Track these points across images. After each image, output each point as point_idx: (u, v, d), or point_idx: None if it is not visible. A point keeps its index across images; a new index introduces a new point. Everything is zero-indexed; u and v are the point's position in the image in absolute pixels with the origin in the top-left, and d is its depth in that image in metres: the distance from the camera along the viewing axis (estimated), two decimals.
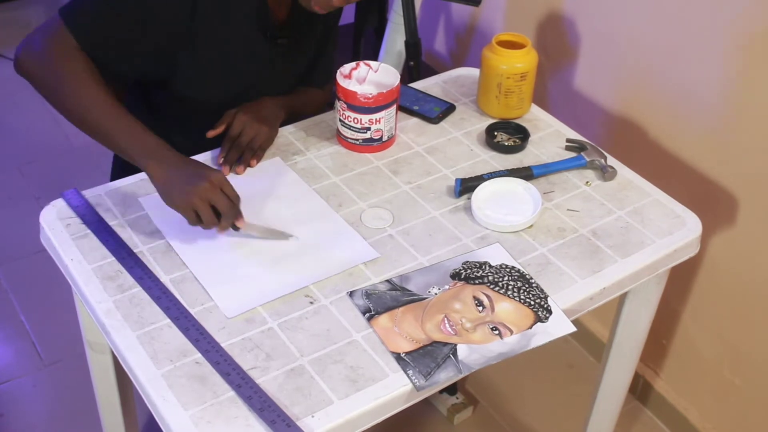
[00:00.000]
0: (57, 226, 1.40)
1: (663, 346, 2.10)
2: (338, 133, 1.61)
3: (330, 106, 1.69)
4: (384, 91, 1.54)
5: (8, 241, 2.59)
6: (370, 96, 1.53)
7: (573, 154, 1.61)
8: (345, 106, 1.55)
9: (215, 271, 1.33)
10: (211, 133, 1.55)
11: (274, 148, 1.60)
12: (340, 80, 1.57)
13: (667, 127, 1.88)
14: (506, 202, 1.47)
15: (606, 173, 1.56)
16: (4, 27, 3.51)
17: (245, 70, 1.59)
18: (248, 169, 1.54)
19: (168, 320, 1.24)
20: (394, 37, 2.25)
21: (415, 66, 2.12)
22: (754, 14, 1.61)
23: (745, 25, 1.64)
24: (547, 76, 2.15)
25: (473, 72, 1.82)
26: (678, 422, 2.11)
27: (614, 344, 1.68)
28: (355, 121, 1.55)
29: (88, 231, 1.39)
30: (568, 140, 1.64)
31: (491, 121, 1.68)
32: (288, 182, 1.52)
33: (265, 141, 1.57)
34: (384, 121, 1.56)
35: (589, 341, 2.31)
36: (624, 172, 1.58)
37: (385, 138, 1.59)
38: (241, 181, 1.49)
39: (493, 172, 1.53)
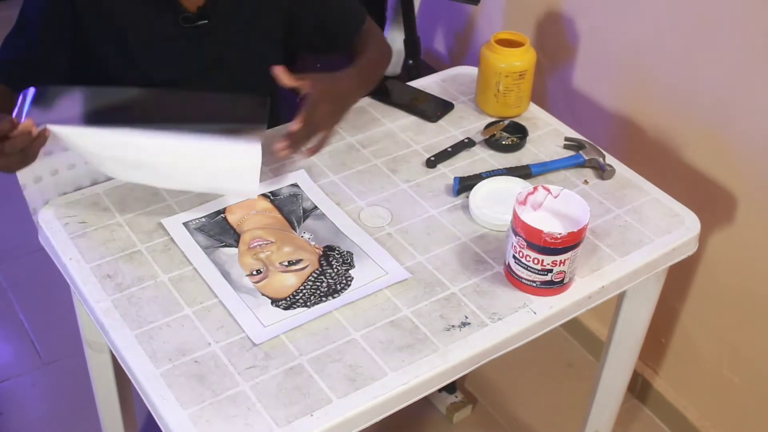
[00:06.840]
0: (55, 225, 1.40)
1: (662, 345, 2.10)
2: (507, 268, 1.35)
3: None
4: (574, 230, 1.26)
5: (7, 239, 2.59)
6: (558, 236, 1.25)
7: (571, 153, 1.61)
8: (524, 243, 1.28)
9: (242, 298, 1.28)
10: (285, 78, 1.31)
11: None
12: (517, 208, 1.30)
13: (665, 125, 1.88)
14: (505, 201, 1.47)
15: (604, 172, 1.56)
16: (4, 26, 3.50)
17: (159, 61, 1.48)
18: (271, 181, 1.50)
19: (166, 319, 1.25)
20: (394, 36, 2.25)
21: (414, 64, 2.13)
22: (755, 14, 1.61)
23: (746, 24, 1.64)
24: (546, 74, 2.15)
25: (472, 70, 1.81)
26: (677, 421, 2.11)
27: (613, 343, 1.68)
28: (536, 261, 1.29)
29: (87, 230, 1.39)
30: (566, 139, 1.64)
31: (490, 119, 1.68)
32: (314, 199, 1.47)
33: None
34: (569, 262, 1.30)
35: (588, 340, 2.31)
36: (622, 170, 1.58)
37: (566, 280, 1.33)
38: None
39: (492, 171, 1.53)
